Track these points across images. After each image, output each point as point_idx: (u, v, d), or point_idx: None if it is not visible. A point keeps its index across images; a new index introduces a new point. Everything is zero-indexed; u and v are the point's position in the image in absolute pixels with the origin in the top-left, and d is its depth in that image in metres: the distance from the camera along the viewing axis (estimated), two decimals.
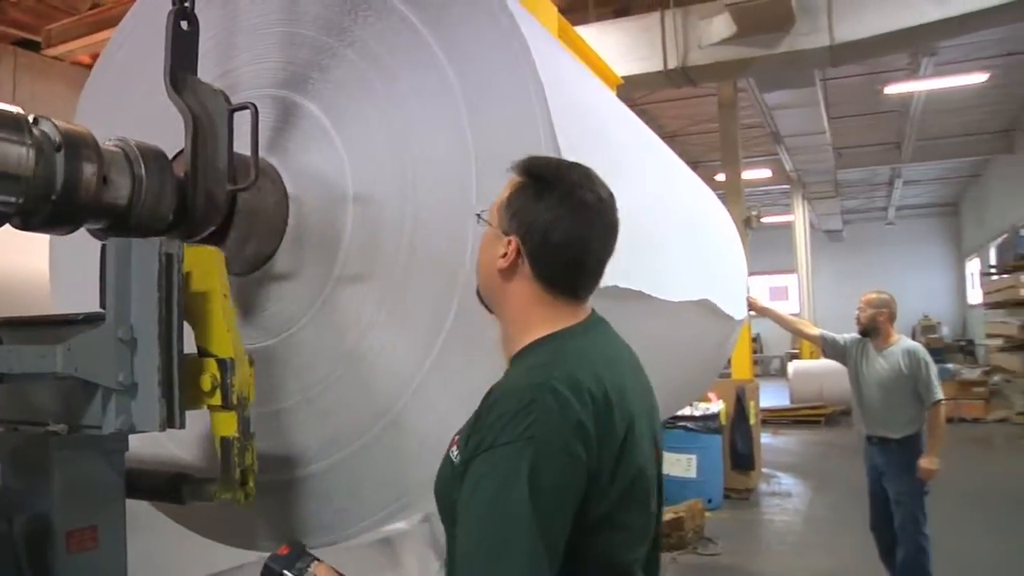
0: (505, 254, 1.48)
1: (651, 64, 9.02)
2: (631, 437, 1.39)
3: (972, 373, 16.56)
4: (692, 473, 8.06)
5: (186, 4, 1.90)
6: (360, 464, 1.93)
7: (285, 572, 1.77)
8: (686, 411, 8.35)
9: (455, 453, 1.42)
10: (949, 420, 14.40)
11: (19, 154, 1.58)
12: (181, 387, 1.64)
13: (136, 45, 2.35)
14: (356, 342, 1.92)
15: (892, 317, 5.39)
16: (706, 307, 3.27)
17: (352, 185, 1.95)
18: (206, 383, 1.71)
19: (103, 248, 1.66)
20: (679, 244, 3.07)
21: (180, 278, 1.66)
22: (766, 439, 11.71)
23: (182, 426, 1.65)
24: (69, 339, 1.57)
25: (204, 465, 2.04)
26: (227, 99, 1.91)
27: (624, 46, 8.97)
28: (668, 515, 6.78)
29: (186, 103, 1.88)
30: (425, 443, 1.83)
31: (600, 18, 9.81)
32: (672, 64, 8.97)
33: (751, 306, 5.01)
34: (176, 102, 1.88)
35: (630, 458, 1.38)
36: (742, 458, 8.84)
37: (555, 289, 1.49)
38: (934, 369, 5.22)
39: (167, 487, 1.94)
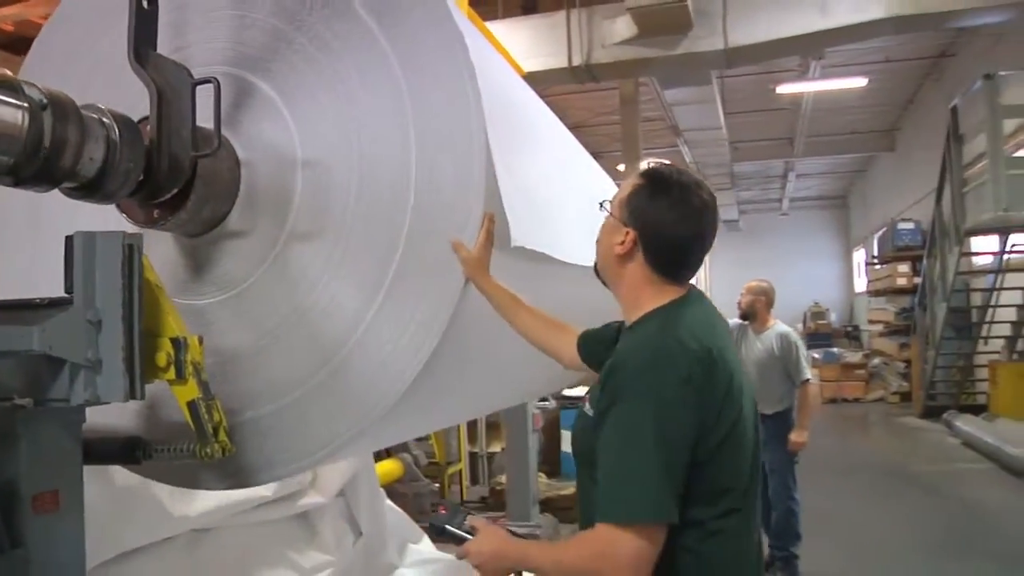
0: (623, 242, 1.82)
1: (557, 61, 9.43)
2: (732, 388, 1.70)
3: (854, 356, 17.64)
4: None
5: None
6: (308, 405, 2.13)
7: (447, 527, 2.01)
8: (585, 392, 8.75)
9: (588, 408, 1.77)
10: (832, 400, 15.64)
11: (14, 115, 1.72)
12: (141, 363, 1.89)
13: (83, 15, 2.46)
14: (305, 295, 2.12)
15: (769, 303, 5.89)
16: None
17: (301, 152, 2.14)
18: (162, 359, 1.94)
19: (68, 239, 1.83)
20: (582, 218, 3.40)
21: (140, 266, 1.90)
22: None
23: (142, 397, 1.88)
24: (41, 321, 1.78)
25: (145, 432, 2.23)
26: (190, 74, 2.08)
27: (532, 42, 9.34)
28: (570, 488, 7.19)
29: (150, 76, 2.03)
30: (368, 385, 2.05)
31: (509, 13, 10.14)
32: (577, 61, 9.39)
33: None
34: (140, 74, 2.03)
35: (732, 404, 1.70)
36: None
37: (662, 273, 1.82)
38: (804, 352, 5.74)
39: (123, 451, 2.16)
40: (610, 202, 1.91)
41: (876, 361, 17.65)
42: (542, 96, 3.74)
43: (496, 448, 8.11)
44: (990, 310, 12.33)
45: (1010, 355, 11.98)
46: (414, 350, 1.98)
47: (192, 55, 2.21)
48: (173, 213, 2.11)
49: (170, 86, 2.07)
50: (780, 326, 5.85)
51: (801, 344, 5.73)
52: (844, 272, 28.89)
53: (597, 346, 2.10)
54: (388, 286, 2.03)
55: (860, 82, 14.28)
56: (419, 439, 7.08)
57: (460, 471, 7.67)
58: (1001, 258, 11.75)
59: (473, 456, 7.98)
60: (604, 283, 1.98)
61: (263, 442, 2.18)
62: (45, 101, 1.81)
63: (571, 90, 13.37)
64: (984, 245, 12.30)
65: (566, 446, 8.46)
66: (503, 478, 7.04)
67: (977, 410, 11.81)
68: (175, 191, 2.07)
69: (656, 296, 1.82)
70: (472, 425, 7.95)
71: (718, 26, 8.96)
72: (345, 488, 4.86)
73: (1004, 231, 11.10)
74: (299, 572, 4.25)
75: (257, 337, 2.17)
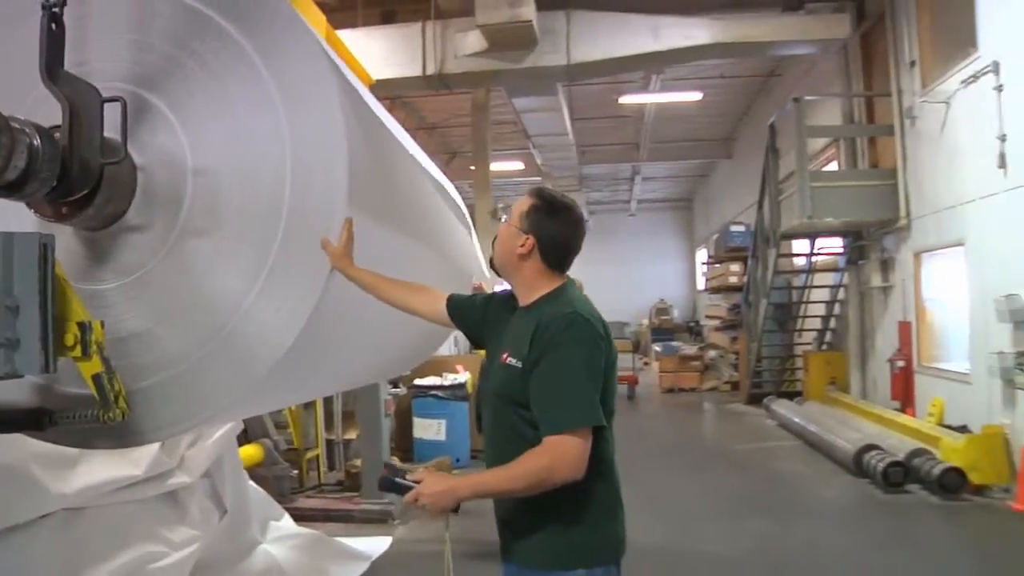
0: (524, 245, 2.44)
1: (412, 69, 9.95)
2: (611, 344, 2.39)
3: (691, 349, 18.93)
4: (442, 436, 8.98)
5: (55, 10, 2.31)
6: (196, 374, 2.51)
7: (396, 480, 2.36)
8: (436, 381, 9.36)
9: (514, 362, 2.35)
10: (670, 390, 16.79)
11: None
12: (54, 343, 2.29)
13: None
14: (196, 280, 2.50)
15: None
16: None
17: (191, 161, 2.51)
18: (70, 340, 2.32)
19: None
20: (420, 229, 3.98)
21: (53, 261, 2.27)
22: None
23: (55, 371, 2.26)
24: None
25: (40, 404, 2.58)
26: (98, 92, 2.39)
27: (388, 51, 9.81)
28: (420, 469, 7.71)
29: (62, 92, 2.31)
30: (250, 355, 2.45)
31: (368, 21, 10.55)
32: (431, 71, 9.96)
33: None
34: (52, 90, 2.30)
35: (611, 355, 2.38)
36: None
37: (552, 268, 2.48)
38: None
39: (29, 419, 2.54)
40: (506, 215, 2.54)
41: (712, 353, 18.94)
42: (398, 98, 4.26)
43: (351, 435, 8.54)
44: (803, 306, 13.74)
45: (819, 346, 13.40)
46: (289, 325, 2.44)
47: (92, 71, 2.51)
48: (80, 211, 2.42)
49: (81, 101, 2.35)
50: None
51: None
52: (688, 270, 30.60)
53: (467, 311, 2.72)
54: (267, 273, 2.45)
55: (696, 96, 15.51)
56: (279, 427, 7.44)
57: (318, 456, 8.05)
58: (810, 260, 13.14)
59: (330, 443, 8.38)
60: (498, 273, 2.61)
61: (155, 408, 2.56)
62: None
63: (429, 93, 13.88)
64: (800, 248, 13.66)
65: (418, 432, 9.01)
66: (358, 461, 7.47)
67: (793, 395, 13.14)
68: (84, 192, 2.39)
69: (547, 284, 2.47)
70: (328, 414, 8.34)
71: (562, 44, 9.75)
72: (211, 469, 5.18)
73: (812, 236, 12.46)
74: (169, 546, 4.54)
75: (152, 317, 2.54)
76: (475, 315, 2.70)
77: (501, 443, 2.40)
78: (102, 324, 2.40)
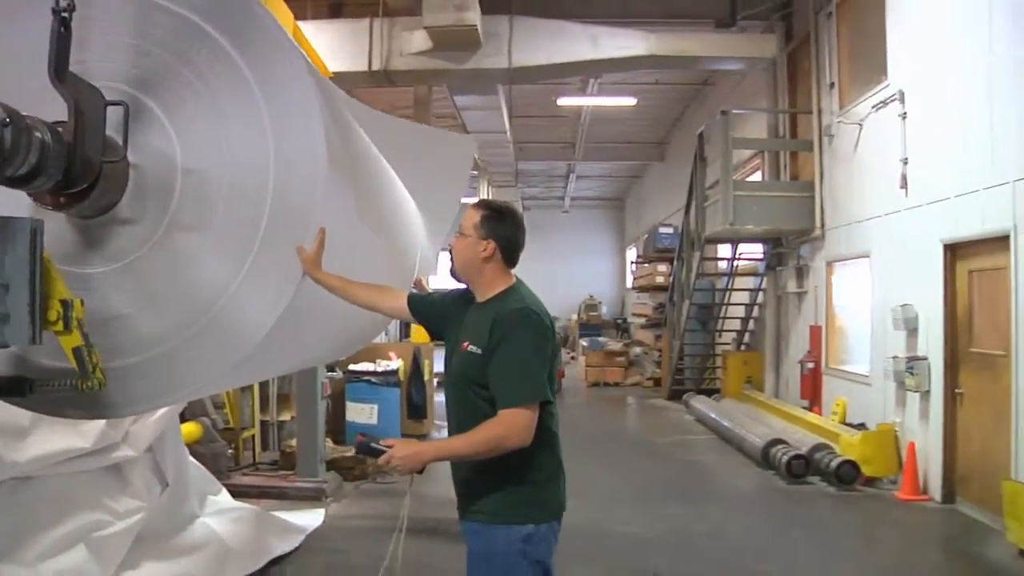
0: (486, 249, 2.83)
1: (358, 64, 10.18)
2: (556, 336, 2.82)
3: (616, 345, 19.48)
4: (373, 420, 9.20)
5: (64, 15, 2.47)
6: (187, 349, 2.73)
7: (372, 444, 2.75)
8: (369, 367, 9.63)
9: (475, 349, 2.74)
10: (595, 384, 17.30)
11: None
12: (40, 317, 2.55)
13: None
14: (184, 266, 2.71)
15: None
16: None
17: (181, 160, 2.72)
18: (53, 315, 2.57)
19: None
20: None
21: (42, 244, 2.50)
22: (439, 397, 13.22)
23: (40, 343, 2.51)
24: None
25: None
26: (102, 95, 2.58)
27: (336, 44, 9.99)
28: (350, 453, 7.99)
29: (69, 92, 2.49)
30: (233, 336, 2.68)
31: (316, 15, 10.71)
32: (376, 67, 10.20)
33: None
34: (59, 90, 2.47)
35: (557, 348, 2.84)
36: (417, 408, 10.28)
37: (508, 265, 2.89)
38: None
39: (11, 386, 2.77)
40: (460, 230, 2.92)
41: (637, 350, 19.50)
42: (342, 88, 4.52)
43: (285, 417, 8.78)
44: (724, 307, 14.39)
45: (738, 346, 14.07)
46: (268, 310, 2.71)
47: (90, 69, 2.67)
48: (78, 202, 2.62)
49: (86, 102, 2.54)
50: None
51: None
52: (618, 268, 31.26)
53: (428, 307, 3.14)
54: (249, 264, 2.70)
55: (631, 101, 16.04)
56: (216, 407, 7.63)
57: (253, 436, 8.27)
58: (732, 264, 13.78)
59: (264, 424, 8.61)
60: (457, 278, 2.97)
61: (131, 384, 2.79)
62: (8, 119, 2.28)
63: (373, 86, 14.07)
64: (723, 252, 14.29)
65: (351, 416, 9.25)
66: (293, 442, 7.72)
67: (712, 392, 13.78)
68: (86, 185, 2.58)
69: (504, 280, 2.89)
70: (264, 396, 8.56)
71: (504, 48, 10.12)
72: (153, 444, 5.38)
73: (734, 241, 13.09)
74: (114, 516, 4.75)
75: (138, 300, 2.76)
76: (436, 310, 3.11)
77: (463, 417, 2.79)
78: (82, 302, 2.61)
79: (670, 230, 18.03)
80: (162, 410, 5.27)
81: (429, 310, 3.14)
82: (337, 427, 9.02)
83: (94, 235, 2.79)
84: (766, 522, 6.90)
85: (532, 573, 2.76)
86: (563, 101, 15.91)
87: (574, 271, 29.64)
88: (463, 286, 3.02)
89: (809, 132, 10.89)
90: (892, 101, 8.36)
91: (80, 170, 2.56)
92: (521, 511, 2.75)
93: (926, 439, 7.59)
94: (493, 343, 2.70)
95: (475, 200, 3.06)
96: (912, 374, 7.60)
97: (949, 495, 7.29)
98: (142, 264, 2.76)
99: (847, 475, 7.83)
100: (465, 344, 2.80)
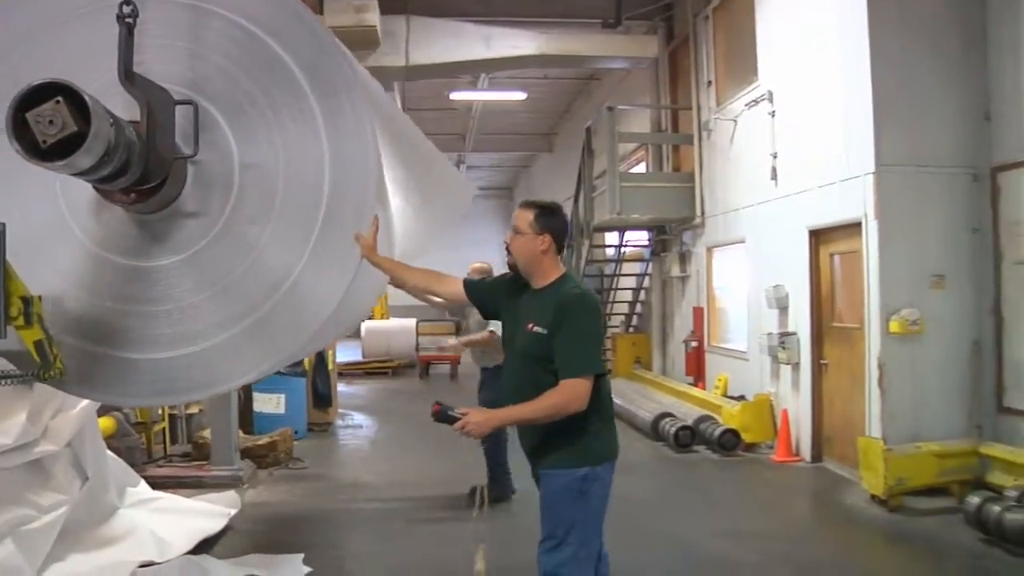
0: (544, 243, 3.22)
1: None
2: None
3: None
4: (281, 409, 9.40)
5: (128, 20, 2.63)
6: (250, 335, 2.89)
7: (449, 412, 3.07)
8: None
9: (540, 329, 3.12)
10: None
11: (108, 131, 2.39)
12: (4, 313, 2.74)
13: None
14: (246, 251, 2.87)
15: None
16: None
17: (238, 157, 2.89)
18: (14, 311, 2.76)
19: None
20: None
21: (5, 247, 2.71)
22: (342, 388, 13.48)
23: (5, 336, 2.72)
24: None
25: None
26: (170, 95, 2.72)
27: None
28: (264, 439, 8.19)
29: (140, 93, 2.64)
30: (297, 318, 2.87)
31: None
32: None
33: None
34: (130, 91, 2.62)
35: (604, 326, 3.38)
36: (322, 398, 10.48)
37: (559, 254, 3.28)
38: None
39: None
40: (516, 230, 3.26)
41: None
42: None
43: (193, 410, 8.87)
44: (613, 292, 15.08)
45: (627, 328, 14.79)
46: (329, 294, 2.92)
47: (149, 70, 2.75)
48: (148, 198, 2.77)
49: (156, 102, 2.69)
50: None
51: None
52: (505, 258, 31.67)
53: (484, 292, 3.54)
54: (309, 253, 2.89)
55: (520, 95, 16.53)
56: None
57: (164, 429, 8.35)
58: (619, 250, 14.47)
59: (172, 417, 8.71)
60: (518, 272, 3.33)
61: (206, 367, 2.96)
62: (112, 119, 2.44)
63: None
64: (611, 239, 14.95)
65: (259, 406, 9.35)
66: (205, 433, 7.86)
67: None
68: (159, 180, 2.74)
69: (557, 268, 3.29)
70: None
71: (401, 47, 10.44)
72: (73, 439, 5.46)
73: (621, 229, 13.76)
74: (38, 510, 4.87)
75: (205, 288, 2.90)
76: (490, 295, 3.53)
77: (523, 388, 3.18)
78: (40, 298, 2.79)
79: None
80: (81, 404, 5.39)
81: (484, 295, 3.55)
82: (245, 418, 9.12)
83: (155, 229, 2.92)
84: (659, 486, 7.52)
85: (589, 506, 3.20)
86: (455, 95, 16.26)
87: (466, 259, 29.49)
88: (509, 273, 3.41)
89: (690, 127, 11.59)
90: (762, 100, 9.13)
91: (154, 167, 2.71)
92: (577, 457, 3.17)
93: (797, 406, 8.40)
94: (557, 324, 3.10)
95: (522, 201, 3.42)
96: (784, 348, 8.38)
97: (817, 455, 8.13)
98: (207, 253, 2.90)
99: (729, 442, 8.59)
100: (531, 325, 3.18)
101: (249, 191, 2.89)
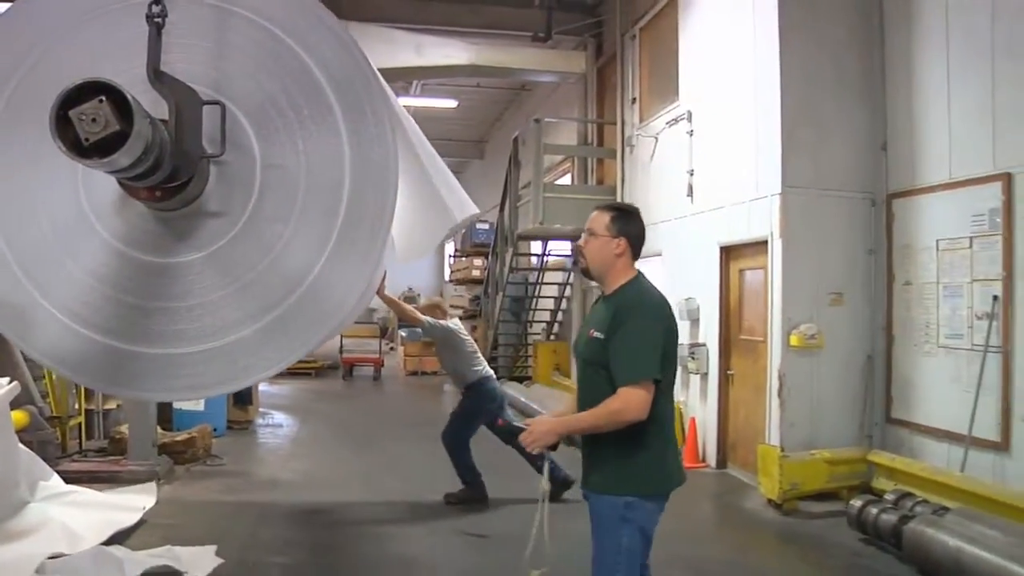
0: (619, 246, 3.13)
1: None
2: (673, 321, 3.12)
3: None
4: (200, 407, 9.33)
5: (156, 20, 2.65)
6: (273, 329, 2.91)
7: (514, 424, 3.25)
8: None
9: (599, 335, 3.03)
10: (414, 372, 17.87)
11: (148, 129, 2.41)
12: None
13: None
14: (267, 248, 2.90)
15: (438, 309, 7.51)
16: None
17: (260, 157, 2.90)
18: None
19: None
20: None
21: None
22: (264, 387, 13.39)
23: None
24: None
25: None
26: (197, 94, 2.73)
27: None
28: (183, 436, 8.19)
29: (168, 92, 2.65)
30: (320, 310, 2.91)
31: None
32: None
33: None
34: (159, 91, 2.64)
35: (674, 329, 3.10)
36: (242, 396, 10.44)
37: (634, 258, 3.18)
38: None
39: None
40: (591, 232, 3.20)
41: None
42: None
43: (111, 405, 8.80)
44: (535, 300, 15.39)
45: (547, 336, 15.11)
46: (347, 292, 2.97)
47: (174, 70, 2.79)
48: (173, 195, 2.80)
49: (184, 102, 2.71)
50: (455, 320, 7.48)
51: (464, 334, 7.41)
52: (437, 262, 31.64)
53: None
54: (330, 250, 2.94)
55: (451, 103, 16.77)
56: (42, 395, 7.61)
57: (80, 424, 8.26)
58: (542, 259, 14.80)
59: (89, 412, 8.61)
60: (589, 277, 3.30)
61: (227, 362, 2.98)
62: (150, 117, 2.48)
63: None
64: (535, 248, 15.26)
65: (178, 403, 9.27)
66: (123, 428, 7.82)
67: (524, 379, 14.72)
68: (187, 178, 2.77)
69: (628, 273, 3.18)
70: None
71: None
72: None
73: (544, 238, 14.07)
74: None
75: (226, 283, 2.93)
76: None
77: (588, 395, 3.12)
78: None
79: (486, 226, 18.74)
80: None
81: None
82: (165, 415, 9.09)
83: (177, 226, 2.95)
84: (573, 490, 7.76)
85: (632, 537, 3.07)
86: None
87: (394, 265, 29.71)
88: None
89: (614, 141, 11.95)
90: (682, 120, 9.53)
91: (182, 165, 2.74)
92: (624, 483, 3.06)
93: (705, 415, 8.80)
94: (612, 328, 3.01)
95: (600, 205, 3.33)
96: (694, 358, 8.77)
97: (723, 461, 8.53)
98: (229, 249, 2.95)
99: None
100: (592, 332, 3.11)
101: (271, 190, 2.94)
